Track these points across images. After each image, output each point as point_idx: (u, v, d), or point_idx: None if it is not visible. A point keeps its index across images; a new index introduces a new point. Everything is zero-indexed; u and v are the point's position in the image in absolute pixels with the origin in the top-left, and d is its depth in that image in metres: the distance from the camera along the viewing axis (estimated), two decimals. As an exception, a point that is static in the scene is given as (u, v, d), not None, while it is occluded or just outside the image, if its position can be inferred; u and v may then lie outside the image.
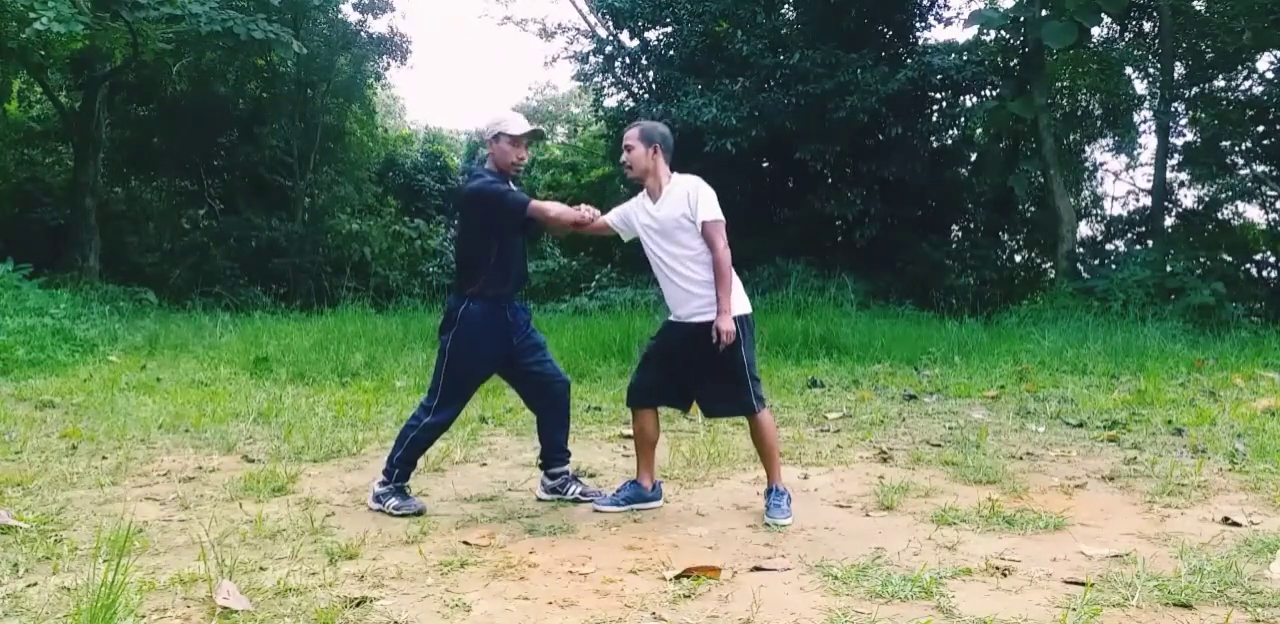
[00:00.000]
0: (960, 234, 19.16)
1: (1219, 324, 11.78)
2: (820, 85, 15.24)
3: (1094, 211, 20.20)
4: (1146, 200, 18.01)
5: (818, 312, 11.08)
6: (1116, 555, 3.26)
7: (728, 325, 3.65)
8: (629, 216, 3.97)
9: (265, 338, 10.22)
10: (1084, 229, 18.63)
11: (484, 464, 4.91)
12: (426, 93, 53.93)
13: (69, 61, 17.24)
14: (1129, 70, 18.19)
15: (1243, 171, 16.82)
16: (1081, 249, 16.63)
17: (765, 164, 17.68)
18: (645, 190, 3.94)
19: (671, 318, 3.94)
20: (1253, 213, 17.69)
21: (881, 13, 16.69)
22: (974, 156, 18.89)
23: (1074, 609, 2.74)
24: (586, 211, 3.95)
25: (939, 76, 15.86)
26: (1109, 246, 18.72)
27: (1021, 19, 15.12)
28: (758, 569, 3.16)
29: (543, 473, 4.22)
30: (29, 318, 10.09)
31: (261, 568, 3.13)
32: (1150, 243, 16.21)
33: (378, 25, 23.35)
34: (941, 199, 17.46)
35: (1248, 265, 17.23)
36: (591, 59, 18.52)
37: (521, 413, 6.28)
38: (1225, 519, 3.71)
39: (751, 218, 16.34)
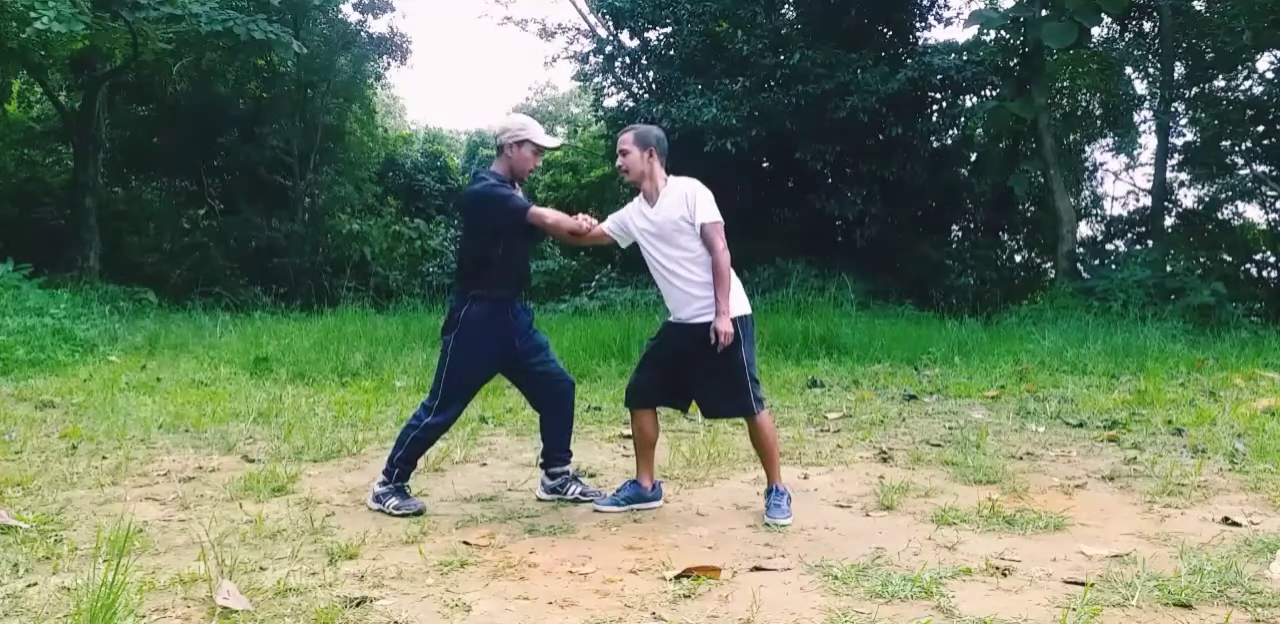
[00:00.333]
0: (960, 234, 19.17)
1: (1219, 324, 11.79)
2: (820, 85, 15.25)
3: (1094, 211, 20.22)
4: (1146, 200, 18.03)
5: (818, 311, 11.08)
6: (1116, 555, 3.26)
7: (725, 326, 3.66)
8: (626, 223, 3.97)
9: (265, 338, 10.22)
10: (1084, 229, 18.65)
11: (484, 464, 4.91)
12: (426, 93, 54.07)
13: (69, 61, 17.25)
14: (1129, 70, 18.21)
15: (1243, 171, 16.84)
16: (1081, 249, 16.63)
17: (765, 164, 17.69)
18: (641, 195, 3.94)
19: (671, 319, 3.94)
20: (1253, 213, 17.73)
21: (881, 13, 16.70)
22: (974, 156, 18.89)
23: (1074, 609, 2.74)
24: (584, 221, 3.94)
25: (939, 77, 15.87)
26: (1109, 246, 18.75)
27: (1021, 19, 15.12)
28: (758, 569, 3.16)
29: (543, 472, 4.22)
30: (29, 318, 10.09)
31: (261, 568, 3.13)
32: (1150, 243, 16.23)
33: (378, 25, 23.41)
34: (941, 199, 17.46)
35: (1248, 265, 17.26)
36: (591, 59, 18.53)
37: (521, 413, 6.29)
38: (1225, 519, 3.71)
39: (751, 218, 16.33)
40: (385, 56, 21.01)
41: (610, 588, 2.97)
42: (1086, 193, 20.23)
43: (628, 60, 18.28)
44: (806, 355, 9.42)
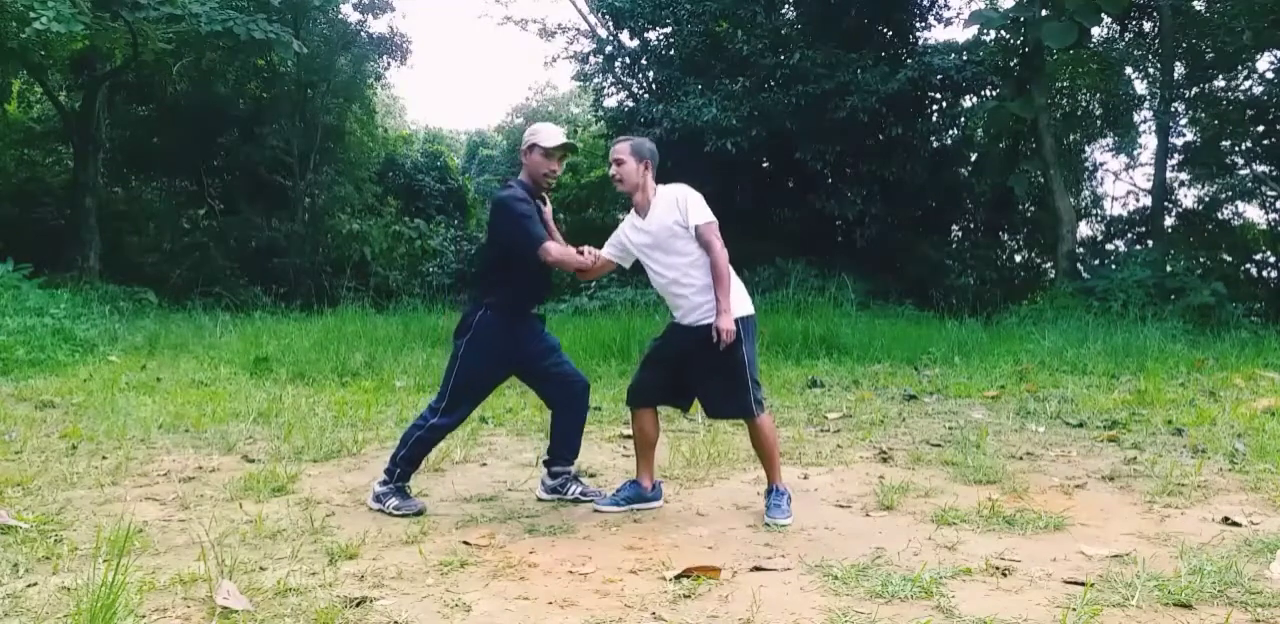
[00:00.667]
0: (960, 234, 19.17)
1: (1219, 324, 11.79)
2: (820, 85, 15.25)
3: (1094, 211, 20.22)
4: (1146, 200, 18.03)
5: (818, 311, 11.08)
6: (1116, 555, 3.26)
7: (727, 324, 3.66)
8: (622, 242, 3.99)
9: (265, 338, 10.22)
10: (1084, 229, 18.65)
11: (484, 464, 4.91)
12: (426, 93, 54.12)
13: (69, 61, 17.25)
14: (1129, 70, 18.21)
15: (1243, 171, 16.84)
16: (1081, 249, 16.64)
17: (765, 164, 17.69)
18: (633, 209, 3.96)
19: (676, 321, 3.95)
20: (1253, 213, 17.73)
21: (881, 13, 16.70)
22: (974, 157, 18.89)
23: (1074, 609, 2.73)
24: (588, 256, 3.94)
25: (939, 77, 15.87)
26: (1109, 246, 18.75)
27: (1021, 19, 15.12)
28: (758, 569, 3.16)
29: (544, 471, 4.22)
30: (29, 318, 10.09)
31: (261, 568, 3.13)
32: (1150, 243, 16.23)
33: (378, 25, 23.45)
34: (941, 199, 17.46)
35: (1248, 265, 17.26)
36: (591, 59, 18.53)
37: (521, 413, 6.30)
38: (1225, 519, 3.70)
39: (751, 218, 16.34)
40: (385, 56, 21.02)
41: (610, 588, 2.97)
42: (1086, 193, 20.23)
43: (628, 60, 18.28)
44: (806, 355, 9.42)
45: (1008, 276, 18.37)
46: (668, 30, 17.26)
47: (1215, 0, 16.39)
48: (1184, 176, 17.99)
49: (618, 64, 18.40)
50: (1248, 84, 16.88)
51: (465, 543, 3.45)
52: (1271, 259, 17.47)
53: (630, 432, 4.26)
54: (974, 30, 16.87)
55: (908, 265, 16.46)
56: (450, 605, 2.82)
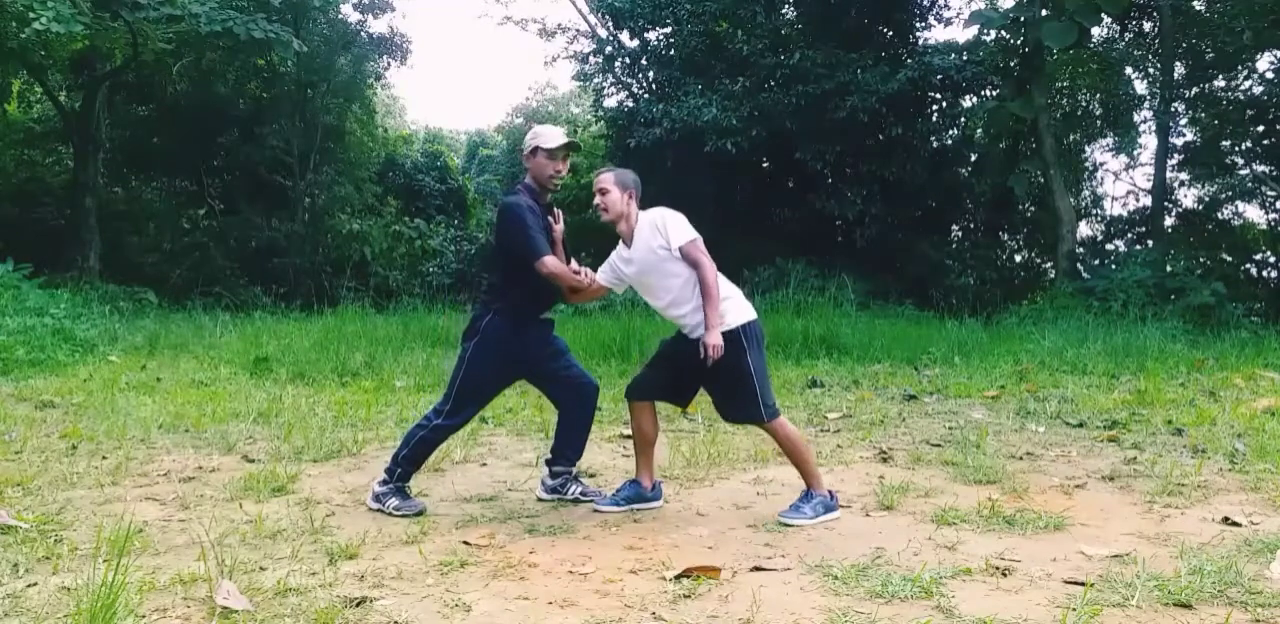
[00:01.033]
0: (960, 234, 19.16)
1: (1219, 324, 11.80)
2: (820, 85, 15.25)
3: (1094, 211, 20.22)
4: (1146, 200, 18.03)
5: (818, 311, 11.08)
6: (1116, 555, 3.26)
7: (715, 340, 3.68)
8: (616, 271, 4.02)
9: (265, 338, 10.22)
10: (1084, 229, 18.65)
11: (484, 464, 4.91)
12: (426, 93, 54.11)
13: (69, 61, 17.24)
14: (1129, 70, 18.21)
15: (1243, 171, 16.84)
16: (1081, 249, 16.64)
17: (765, 164, 17.69)
18: (620, 241, 3.98)
19: (685, 334, 3.96)
20: (1253, 213, 17.73)
21: (881, 13, 16.70)
22: (974, 157, 18.89)
23: (1074, 609, 2.73)
24: (585, 276, 3.92)
25: (939, 77, 15.88)
26: (1109, 246, 18.75)
27: (1021, 19, 15.13)
28: (758, 569, 3.16)
29: (545, 471, 4.22)
30: (29, 318, 10.09)
31: (261, 568, 3.13)
32: (1150, 243, 16.24)
33: (378, 25, 23.43)
34: (941, 199, 17.47)
35: (1248, 265, 17.25)
36: (591, 59, 18.54)
37: (521, 413, 6.30)
38: (1225, 519, 3.71)
39: (751, 218, 16.35)
40: (385, 56, 20.99)
41: (610, 588, 2.97)
42: (1086, 193, 20.23)
43: (628, 60, 18.28)
44: (806, 355, 9.42)
45: (1008, 276, 18.37)
46: (668, 30, 17.27)
47: (1215, 0, 16.39)
48: (1184, 176, 17.99)
49: (618, 64, 18.40)
50: (1248, 84, 16.88)
51: (465, 543, 3.45)
52: (1271, 259, 17.47)
53: (630, 432, 4.26)
54: (974, 30, 16.89)
55: (908, 265, 16.46)
56: (450, 605, 2.82)
